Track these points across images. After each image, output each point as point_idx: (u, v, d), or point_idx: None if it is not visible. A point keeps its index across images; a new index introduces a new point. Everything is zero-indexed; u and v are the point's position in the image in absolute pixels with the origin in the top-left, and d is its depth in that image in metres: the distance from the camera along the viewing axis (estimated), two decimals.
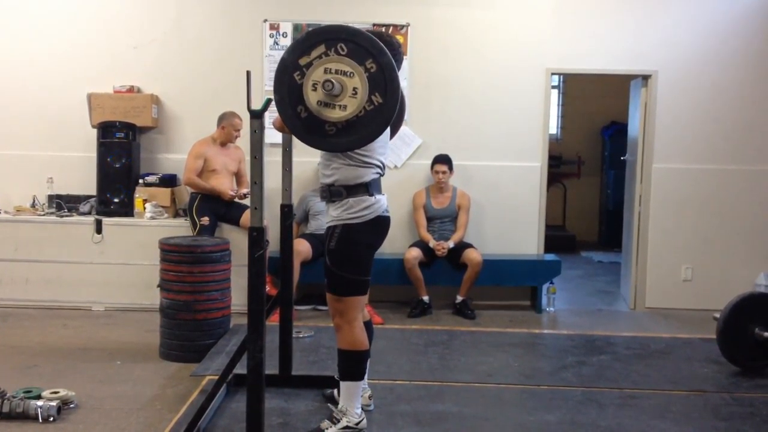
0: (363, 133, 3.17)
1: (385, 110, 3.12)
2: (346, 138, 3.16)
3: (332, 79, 3.02)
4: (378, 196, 3.74)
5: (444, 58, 6.84)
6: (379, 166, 3.76)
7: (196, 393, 4.37)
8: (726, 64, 6.79)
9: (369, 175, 3.69)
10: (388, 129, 3.70)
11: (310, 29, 3.19)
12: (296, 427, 3.98)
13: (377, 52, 3.11)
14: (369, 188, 3.69)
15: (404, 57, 6.64)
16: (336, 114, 3.07)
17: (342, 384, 3.82)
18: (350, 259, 3.70)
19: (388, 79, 3.10)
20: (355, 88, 3.06)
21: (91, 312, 6.36)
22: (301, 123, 3.14)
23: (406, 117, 6.76)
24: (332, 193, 3.70)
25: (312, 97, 3.08)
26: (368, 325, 4.02)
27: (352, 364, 3.76)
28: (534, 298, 6.84)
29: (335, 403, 4.01)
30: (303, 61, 3.10)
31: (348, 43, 3.09)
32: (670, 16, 6.78)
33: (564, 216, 10.83)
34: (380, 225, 3.78)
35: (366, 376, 4.13)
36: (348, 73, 3.06)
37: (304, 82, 3.09)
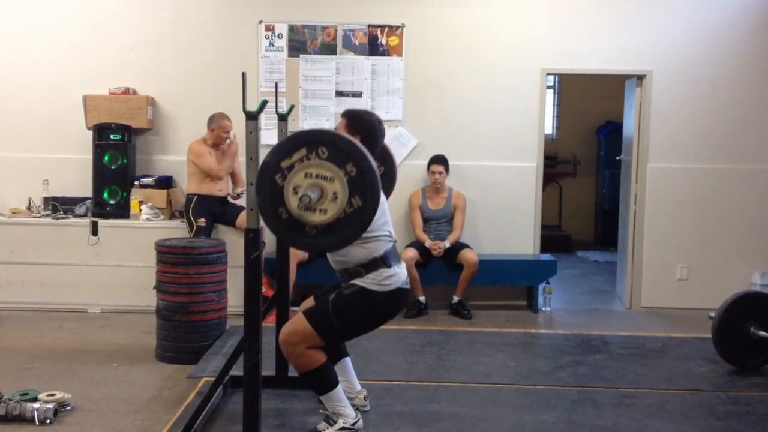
0: (343, 235, 3.19)
1: (365, 213, 3.15)
2: (327, 239, 3.19)
3: (309, 192, 3.04)
4: (396, 268, 3.73)
5: (439, 59, 6.85)
6: (387, 235, 3.75)
7: (193, 395, 4.37)
8: (720, 63, 6.81)
9: (382, 247, 3.70)
10: (384, 198, 3.78)
11: (293, 133, 3.21)
12: (293, 428, 3.99)
13: (357, 156, 3.13)
14: (385, 261, 3.70)
15: (399, 58, 6.72)
16: (316, 218, 3.10)
17: (322, 398, 3.81)
18: (353, 316, 3.69)
19: (368, 182, 3.12)
20: (335, 193, 3.09)
21: (87, 314, 6.35)
22: (282, 224, 3.16)
23: (401, 117, 6.82)
24: (351, 275, 3.70)
25: (293, 201, 3.10)
26: None
27: (321, 379, 3.74)
28: (530, 297, 6.85)
29: None
30: (284, 164, 3.12)
31: (329, 146, 3.11)
32: (665, 16, 6.79)
33: (560, 216, 10.84)
34: (399, 297, 3.77)
35: (355, 377, 4.15)
36: (328, 178, 3.09)
37: (285, 185, 3.11)
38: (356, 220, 3.14)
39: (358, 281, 3.68)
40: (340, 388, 3.79)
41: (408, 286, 3.83)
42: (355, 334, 3.87)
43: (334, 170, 3.09)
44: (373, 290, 3.66)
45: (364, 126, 3.76)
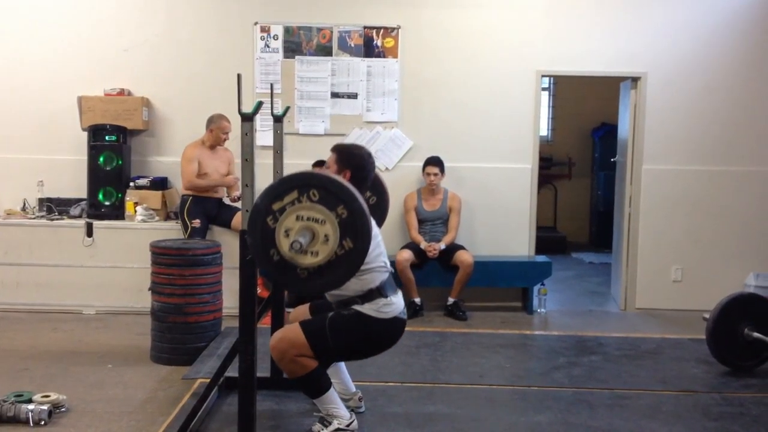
0: (334, 277, 3.21)
1: (356, 255, 3.16)
2: (319, 281, 3.20)
3: (299, 238, 3.05)
4: (393, 298, 3.75)
5: (434, 60, 6.85)
6: (382, 266, 3.77)
7: (188, 396, 4.37)
8: (715, 66, 6.82)
9: (378, 277, 3.72)
10: (377, 230, 3.81)
11: (284, 176, 3.23)
12: (288, 429, 3.99)
13: (348, 198, 3.15)
14: (382, 291, 3.71)
15: (395, 60, 6.72)
16: (308, 260, 3.12)
17: (315, 401, 3.81)
18: (349, 338, 3.70)
19: (359, 224, 3.14)
20: (326, 235, 3.11)
21: (81, 315, 6.34)
22: (274, 266, 3.17)
23: (397, 119, 6.83)
24: (348, 305, 3.71)
25: (284, 244, 3.11)
26: None
27: (313, 384, 3.75)
28: (525, 299, 6.85)
29: None
30: (276, 206, 3.14)
31: (320, 189, 3.13)
32: (660, 19, 6.80)
33: (555, 217, 10.85)
34: (397, 326, 3.79)
35: (349, 379, 4.15)
36: (320, 220, 3.11)
37: (276, 227, 3.13)
38: (348, 262, 3.16)
39: (356, 306, 3.70)
40: (332, 390, 3.79)
41: (405, 317, 3.84)
42: (347, 356, 3.90)
43: (325, 213, 3.11)
44: (371, 316, 3.68)
45: (355, 160, 3.81)
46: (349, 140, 6.79)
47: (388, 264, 3.84)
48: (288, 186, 3.16)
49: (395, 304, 3.75)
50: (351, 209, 3.13)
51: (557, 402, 4.44)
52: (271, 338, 3.79)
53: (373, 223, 3.75)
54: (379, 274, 3.73)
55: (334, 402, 3.78)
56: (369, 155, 3.89)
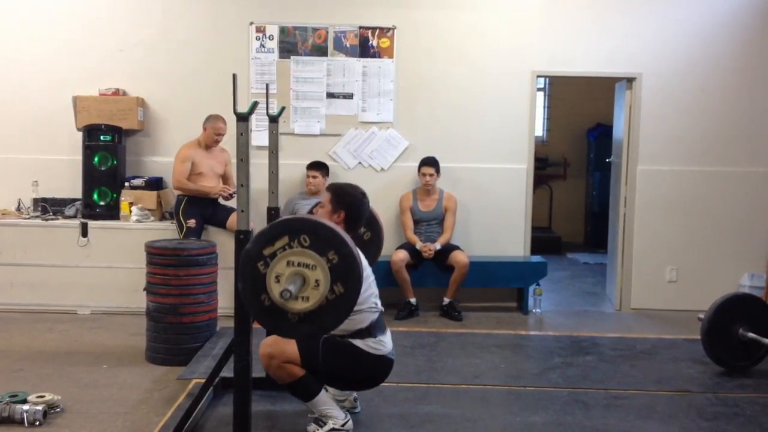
0: (325, 322, 3.20)
1: (347, 299, 3.16)
2: (309, 326, 3.19)
3: (290, 289, 3.05)
4: (381, 338, 3.80)
5: (430, 61, 6.85)
6: (374, 307, 3.80)
7: (183, 396, 4.37)
8: (709, 67, 6.84)
9: (367, 319, 3.76)
10: (369, 270, 3.84)
11: (275, 221, 3.23)
12: (283, 430, 3.99)
13: (338, 243, 3.14)
14: (371, 331, 3.77)
15: (390, 60, 6.72)
16: (298, 305, 3.11)
17: (308, 404, 3.83)
18: (338, 363, 3.75)
19: (349, 269, 3.14)
20: (317, 280, 3.11)
21: (76, 315, 6.33)
22: (264, 311, 3.17)
23: (392, 119, 6.83)
24: (340, 336, 3.73)
25: (275, 289, 3.11)
26: None
27: (304, 389, 3.78)
28: (520, 299, 6.86)
29: None
30: (267, 252, 3.13)
31: (310, 235, 3.13)
32: (655, 20, 6.82)
33: (550, 218, 10.87)
34: (384, 364, 3.84)
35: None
36: (310, 266, 3.10)
37: (267, 272, 3.12)
38: (338, 307, 3.16)
39: (349, 339, 3.74)
40: (323, 392, 3.82)
41: (393, 357, 3.89)
42: (332, 380, 3.89)
43: (315, 258, 3.10)
44: (362, 349, 3.74)
45: (349, 199, 3.86)
46: (344, 140, 6.80)
47: (379, 304, 3.89)
48: (279, 231, 3.16)
49: (383, 342, 3.81)
50: (342, 254, 3.13)
51: (552, 402, 4.45)
52: (261, 344, 3.80)
53: (366, 263, 3.77)
54: (369, 314, 3.78)
55: (326, 403, 3.80)
56: (363, 195, 3.93)
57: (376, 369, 3.83)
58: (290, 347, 3.70)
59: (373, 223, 4.33)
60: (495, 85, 6.87)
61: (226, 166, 6.54)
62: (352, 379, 3.88)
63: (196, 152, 6.38)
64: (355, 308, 3.57)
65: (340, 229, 3.23)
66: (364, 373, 3.82)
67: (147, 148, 6.89)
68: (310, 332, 3.31)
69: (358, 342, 3.73)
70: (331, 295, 3.12)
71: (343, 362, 3.76)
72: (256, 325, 3.82)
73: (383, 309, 3.93)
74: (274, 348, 3.71)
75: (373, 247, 4.27)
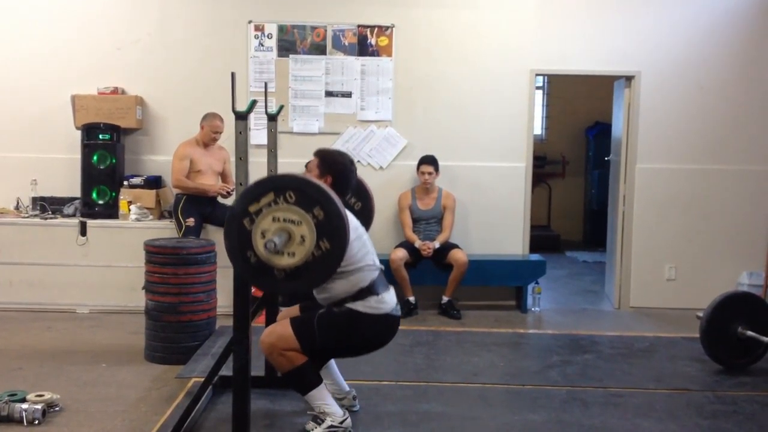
0: (311, 278, 3.22)
1: (333, 256, 3.17)
2: (295, 283, 3.21)
3: (274, 238, 3.06)
4: (385, 295, 3.76)
5: (429, 59, 6.85)
6: (371, 265, 3.77)
7: (182, 395, 4.36)
8: (708, 65, 6.84)
9: (367, 276, 3.72)
10: (363, 230, 3.83)
11: (260, 178, 3.24)
12: (282, 428, 3.99)
13: (324, 200, 3.16)
14: (372, 289, 3.72)
15: (389, 58, 6.72)
16: (284, 261, 3.12)
17: (306, 397, 3.81)
18: (336, 338, 3.72)
19: (335, 226, 3.15)
20: (303, 236, 3.11)
21: (75, 314, 6.33)
22: (251, 268, 3.18)
23: (391, 118, 6.83)
24: (340, 305, 3.72)
25: (260, 245, 3.12)
26: None
27: (302, 379, 3.75)
28: (519, 298, 6.86)
29: None
30: (252, 209, 3.15)
31: (296, 191, 3.14)
32: (653, 18, 6.82)
33: (549, 216, 10.87)
34: (390, 323, 3.79)
35: (341, 378, 4.15)
36: (296, 222, 3.11)
37: (253, 229, 3.13)
38: (324, 264, 3.17)
39: (348, 304, 3.70)
40: (323, 386, 3.80)
41: (399, 314, 3.85)
42: (337, 353, 3.89)
43: (301, 214, 3.12)
44: (362, 312, 3.69)
45: (337, 167, 3.83)
46: (343, 139, 6.80)
47: (377, 262, 3.85)
48: (264, 188, 3.17)
49: (387, 301, 3.76)
50: (327, 211, 3.15)
51: (551, 400, 4.45)
52: (263, 333, 3.80)
53: (358, 223, 3.78)
54: (369, 272, 3.74)
55: (324, 399, 3.78)
56: (351, 162, 3.91)
57: (381, 329, 3.78)
58: (287, 332, 3.68)
59: (362, 193, 4.31)
60: (493, 84, 6.87)
61: (225, 164, 6.54)
62: (357, 347, 3.84)
63: (195, 150, 6.38)
64: (352, 268, 3.64)
65: (326, 186, 3.24)
66: (368, 337, 3.78)
67: (145, 146, 6.89)
68: (297, 288, 3.32)
69: (358, 305, 3.68)
70: (318, 251, 3.13)
71: (342, 333, 3.72)
72: (255, 324, 3.83)
73: (383, 267, 3.89)
74: (272, 336, 3.71)
75: (364, 216, 4.21)
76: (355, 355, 3.98)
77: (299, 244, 3.12)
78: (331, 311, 3.71)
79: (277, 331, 3.73)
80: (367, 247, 3.81)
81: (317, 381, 3.78)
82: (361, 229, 3.85)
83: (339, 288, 3.67)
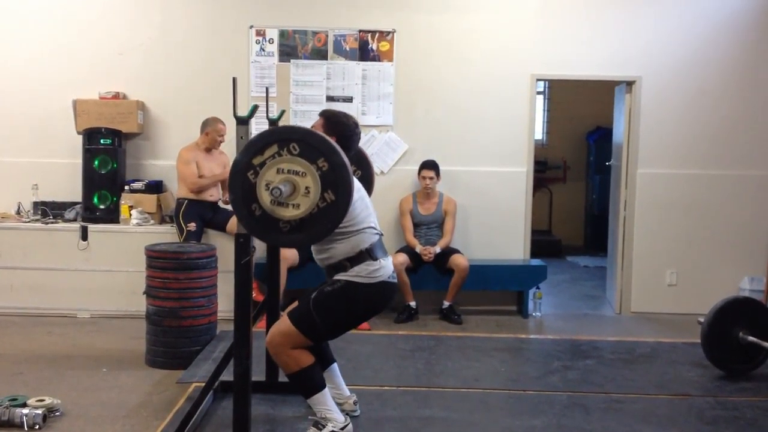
0: (317, 230, 3.22)
1: (338, 207, 3.18)
2: (300, 235, 3.21)
3: (280, 186, 3.06)
4: (383, 261, 3.75)
5: (430, 64, 6.86)
6: (372, 228, 3.76)
7: (183, 400, 4.36)
8: (709, 70, 6.85)
9: (367, 239, 3.71)
10: (365, 192, 3.82)
11: (264, 131, 3.24)
12: None
13: (328, 151, 3.16)
14: (371, 253, 3.70)
15: (390, 63, 6.73)
16: (289, 213, 3.12)
17: (310, 401, 3.81)
18: (335, 312, 3.70)
19: (340, 177, 3.16)
20: (307, 188, 3.12)
21: (76, 319, 6.33)
22: (256, 221, 3.19)
23: (392, 122, 6.83)
24: (336, 269, 3.71)
25: (265, 197, 3.12)
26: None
27: (308, 381, 3.75)
28: (520, 302, 6.86)
29: None
30: (256, 161, 3.15)
31: (300, 143, 3.15)
32: (654, 23, 6.82)
33: (550, 221, 10.86)
34: (385, 290, 3.78)
35: (343, 383, 4.15)
36: (300, 173, 3.12)
37: (257, 181, 3.14)
38: (329, 215, 3.17)
39: (342, 276, 3.68)
40: (327, 391, 3.79)
41: (395, 281, 3.84)
42: (339, 330, 3.86)
43: (305, 165, 3.12)
44: (357, 282, 3.67)
45: (341, 128, 3.79)
46: None
47: (378, 227, 3.84)
48: (268, 140, 3.17)
49: (384, 267, 3.74)
50: (332, 162, 3.15)
51: (552, 406, 4.44)
52: (267, 334, 3.80)
53: (360, 185, 3.76)
54: (369, 235, 3.72)
55: (327, 404, 3.77)
56: (356, 125, 3.88)
57: (377, 297, 3.76)
58: (287, 325, 3.67)
59: (362, 161, 4.30)
60: (494, 89, 6.87)
61: (225, 168, 6.54)
62: (359, 316, 3.84)
63: (197, 155, 6.39)
64: (354, 229, 3.63)
65: (330, 138, 3.23)
66: (366, 304, 3.76)
67: (147, 151, 6.90)
68: (302, 241, 3.32)
69: (353, 274, 3.65)
70: (322, 202, 3.14)
71: (341, 308, 3.70)
72: (256, 328, 3.83)
73: (383, 233, 3.87)
74: (276, 335, 3.70)
75: (364, 184, 4.17)
76: (356, 325, 3.95)
77: (304, 195, 3.12)
78: (323, 291, 3.69)
79: (279, 329, 3.72)
80: (369, 209, 3.81)
81: (321, 385, 3.77)
82: (363, 191, 3.84)
83: (339, 249, 3.65)
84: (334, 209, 3.16)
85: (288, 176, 3.11)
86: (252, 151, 3.18)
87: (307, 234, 3.21)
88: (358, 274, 3.67)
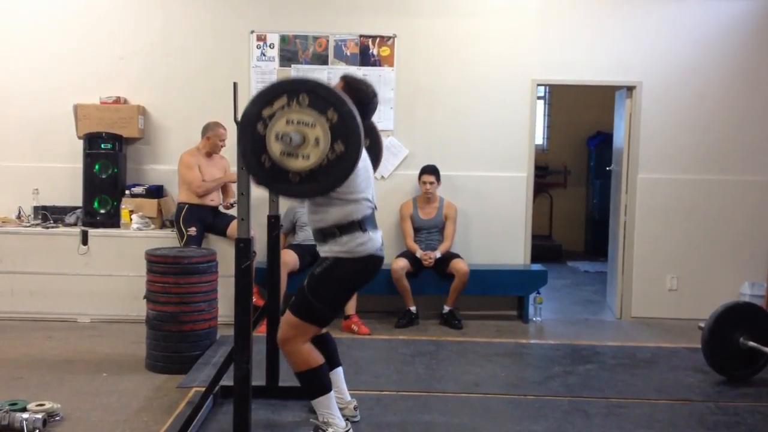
0: (327, 181, 3.22)
1: (348, 159, 3.18)
2: (310, 186, 3.22)
3: (291, 133, 3.06)
4: (372, 234, 3.74)
5: (430, 69, 6.87)
6: (369, 200, 3.76)
7: (183, 405, 4.36)
8: (709, 75, 6.85)
9: (361, 211, 3.70)
10: (369, 164, 3.79)
11: (273, 81, 3.24)
12: None
13: (338, 102, 3.16)
14: (362, 225, 3.69)
15: (390, 68, 6.73)
16: (299, 164, 3.13)
17: (314, 402, 3.81)
18: (329, 292, 3.70)
19: (350, 128, 3.15)
20: (317, 138, 3.12)
21: (76, 324, 6.32)
22: (265, 173, 3.19)
23: (392, 127, 6.84)
24: (326, 235, 3.70)
25: (275, 148, 3.12)
26: (328, 337, 4.07)
27: (314, 382, 3.75)
28: (521, 307, 6.85)
29: None
30: (266, 113, 3.15)
31: (309, 94, 3.15)
32: (654, 28, 6.83)
33: (550, 226, 10.87)
34: (372, 264, 3.78)
35: (345, 387, 4.15)
36: (310, 124, 3.12)
37: (267, 133, 3.14)
38: (339, 166, 3.17)
39: (328, 250, 3.68)
40: (332, 395, 3.79)
41: (382, 254, 3.84)
42: (340, 305, 3.87)
43: (315, 116, 3.13)
44: (344, 258, 3.67)
45: (360, 95, 3.73)
46: None
47: (374, 201, 3.83)
48: (278, 91, 3.17)
49: (372, 239, 3.73)
50: (341, 113, 3.15)
51: (553, 411, 4.44)
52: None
53: (366, 155, 3.75)
54: (364, 207, 3.71)
55: (330, 408, 3.77)
56: (375, 94, 3.85)
57: (365, 270, 3.76)
58: (291, 318, 3.69)
59: (372, 132, 4.24)
60: (495, 94, 6.88)
61: (225, 173, 6.55)
62: (350, 290, 3.86)
63: (198, 159, 6.40)
64: (351, 197, 3.62)
65: (339, 90, 3.23)
66: (355, 277, 3.75)
67: (147, 156, 6.90)
68: (312, 192, 3.31)
69: (340, 250, 3.65)
70: (332, 154, 3.14)
71: (335, 288, 3.70)
72: (256, 333, 3.82)
73: (377, 207, 3.87)
74: (283, 330, 3.73)
75: (372, 154, 4.13)
76: (350, 296, 3.98)
77: (314, 146, 3.12)
78: (314, 275, 3.69)
79: (286, 323, 3.74)
80: (370, 180, 3.80)
81: (328, 388, 3.78)
82: (369, 162, 3.83)
83: (333, 214, 3.65)
84: (343, 160, 3.16)
85: (298, 127, 3.11)
86: (261, 102, 3.17)
87: (317, 185, 3.21)
88: (345, 248, 3.66)
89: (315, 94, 3.14)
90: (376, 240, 3.76)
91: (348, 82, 3.82)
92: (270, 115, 3.14)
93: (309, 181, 3.18)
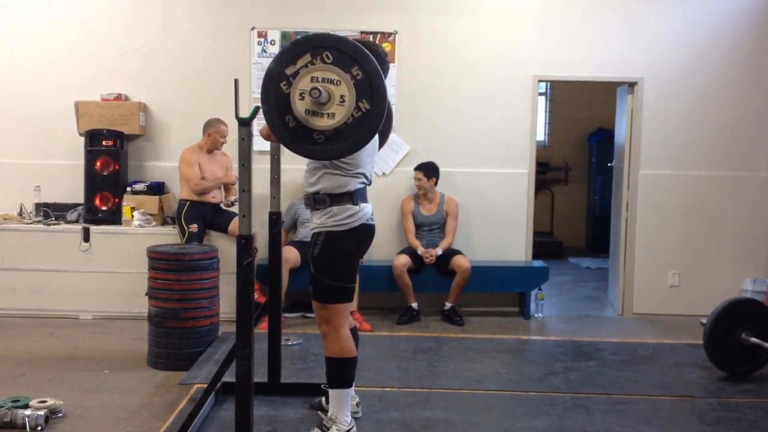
0: (351, 140, 3.18)
1: (373, 116, 3.14)
2: (335, 145, 3.18)
3: (319, 87, 3.03)
4: (362, 205, 3.75)
5: (431, 66, 6.86)
6: (364, 176, 3.76)
7: (185, 401, 4.36)
8: (711, 71, 6.84)
9: (354, 184, 3.70)
10: (377, 138, 3.74)
11: (296, 39, 3.21)
12: None
13: (362, 59, 3.12)
14: (353, 197, 3.69)
15: (391, 65, 6.71)
16: (324, 122, 3.09)
17: (331, 392, 3.81)
18: (334, 266, 3.71)
19: (374, 85, 3.12)
20: (342, 96, 3.08)
21: (78, 320, 6.33)
22: (290, 132, 3.15)
23: (393, 125, 6.81)
24: (316, 201, 3.70)
25: (299, 106, 3.09)
26: (354, 331, 4.04)
27: (341, 372, 3.76)
28: (522, 304, 6.85)
29: (324, 411, 4.00)
30: (289, 71, 3.11)
31: (333, 51, 3.11)
32: (656, 24, 6.82)
33: (551, 222, 10.86)
34: (364, 233, 3.79)
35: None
36: (335, 81, 3.08)
37: (291, 91, 3.10)
38: (365, 124, 3.13)
39: (320, 224, 3.69)
40: (350, 392, 3.81)
41: (373, 223, 3.84)
42: (351, 276, 3.82)
43: (340, 74, 3.08)
44: (336, 231, 3.67)
45: (374, 55, 3.71)
46: None
47: (371, 177, 3.83)
48: (301, 49, 3.13)
49: (362, 210, 3.73)
50: (366, 70, 3.11)
51: (554, 407, 4.44)
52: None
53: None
54: (358, 182, 3.72)
55: (344, 404, 3.78)
56: (386, 54, 3.82)
57: (358, 239, 3.76)
58: (317, 306, 3.74)
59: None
60: (496, 90, 6.87)
61: (227, 170, 6.55)
62: (355, 254, 3.83)
63: (199, 156, 6.40)
64: (351, 170, 3.63)
65: (362, 46, 3.19)
66: (350, 246, 3.74)
67: (149, 153, 6.90)
68: (338, 152, 3.27)
69: (329, 224, 3.65)
70: (357, 112, 3.10)
71: (338, 260, 3.70)
72: (257, 330, 3.82)
73: (371, 182, 3.86)
74: (320, 320, 3.76)
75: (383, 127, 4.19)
76: (354, 265, 3.92)
77: (339, 104, 3.08)
78: (314, 257, 3.69)
79: (317, 316, 3.78)
80: (372, 156, 3.80)
81: (349, 383, 3.79)
82: (377, 137, 3.80)
83: (328, 182, 3.65)
84: (369, 118, 3.12)
85: (322, 85, 3.07)
86: (284, 60, 3.13)
87: (342, 144, 3.16)
88: (335, 219, 3.66)
89: (339, 51, 3.10)
90: (365, 210, 3.78)
91: (360, 42, 3.81)
92: (294, 74, 3.10)
93: (334, 141, 3.14)
